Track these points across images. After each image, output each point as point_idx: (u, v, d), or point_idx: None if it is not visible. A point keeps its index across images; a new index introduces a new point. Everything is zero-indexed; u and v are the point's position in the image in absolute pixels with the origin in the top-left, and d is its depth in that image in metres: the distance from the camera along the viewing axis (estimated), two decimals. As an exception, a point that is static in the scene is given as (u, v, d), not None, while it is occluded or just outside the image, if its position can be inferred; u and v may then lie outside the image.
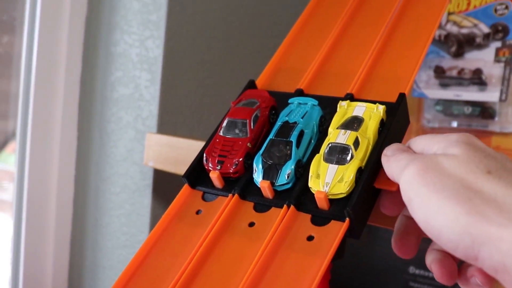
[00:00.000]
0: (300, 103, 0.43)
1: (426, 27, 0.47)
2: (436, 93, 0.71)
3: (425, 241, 0.37)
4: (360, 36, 0.49)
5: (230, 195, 0.40)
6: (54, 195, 0.81)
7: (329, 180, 0.37)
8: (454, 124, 0.71)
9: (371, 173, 0.37)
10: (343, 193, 0.37)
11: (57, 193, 0.81)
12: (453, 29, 0.71)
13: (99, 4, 0.80)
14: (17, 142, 0.80)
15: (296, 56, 0.50)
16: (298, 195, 0.38)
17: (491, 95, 0.67)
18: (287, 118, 0.42)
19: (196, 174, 0.42)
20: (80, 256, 0.84)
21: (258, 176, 0.39)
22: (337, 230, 0.36)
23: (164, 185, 0.75)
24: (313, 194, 0.37)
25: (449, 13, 0.72)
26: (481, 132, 0.69)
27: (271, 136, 0.41)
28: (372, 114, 0.40)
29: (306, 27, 0.52)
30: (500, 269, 0.27)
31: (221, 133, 0.43)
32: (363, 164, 0.38)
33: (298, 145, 0.40)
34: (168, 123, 0.74)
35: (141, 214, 0.76)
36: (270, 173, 0.39)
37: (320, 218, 0.37)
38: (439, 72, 0.71)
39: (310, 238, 0.36)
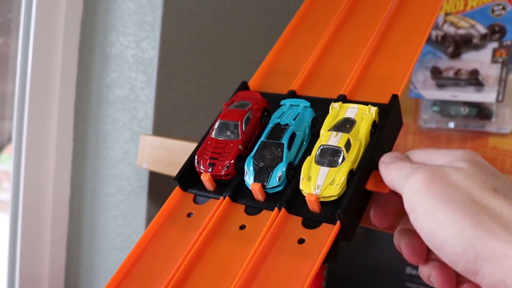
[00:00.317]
0: (292, 105, 0.43)
1: (420, 28, 0.47)
2: (433, 93, 0.71)
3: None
4: (354, 37, 0.49)
5: (221, 197, 0.40)
6: (50, 197, 0.81)
7: (320, 182, 0.37)
8: (451, 124, 0.71)
9: (362, 176, 0.37)
10: (335, 196, 0.36)
11: (53, 194, 0.81)
12: (450, 29, 0.71)
13: (94, 5, 0.80)
14: (13, 143, 0.79)
15: (289, 58, 0.50)
16: (289, 197, 0.38)
17: (488, 96, 0.67)
18: (278, 120, 0.41)
19: (188, 177, 0.42)
20: (76, 257, 0.84)
21: (249, 179, 0.39)
22: (328, 233, 0.35)
23: (159, 187, 0.75)
24: (305, 196, 0.37)
25: (446, 14, 0.72)
26: (478, 133, 0.69)
27: (262, 138, 0.41)
28: (364, 115, 0.40)
29: (299, 28, 0.52)
30: (499, 286, 0.27)
31: (212, 135, 0.43)
32: (355, 166, 0.37)
33: (289, 147, 0.40)
34: (164, 125, 0.74)
35: (137, 216, 0.75)
36: (261, 175, 0.39)
37: (311, 221, 0.37)
38: (436, 72, 0.70)
39: (301, 241, 0.36)
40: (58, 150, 0.81)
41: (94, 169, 0.80)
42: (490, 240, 0.28)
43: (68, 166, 0.82)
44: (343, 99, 0.43)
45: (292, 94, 0.45)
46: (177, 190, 0.42)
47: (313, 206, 0.37)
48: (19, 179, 0.79)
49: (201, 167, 0.41)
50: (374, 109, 0.40)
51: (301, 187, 0.37)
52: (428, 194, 0.31)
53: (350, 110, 0.41)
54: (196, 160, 0.42)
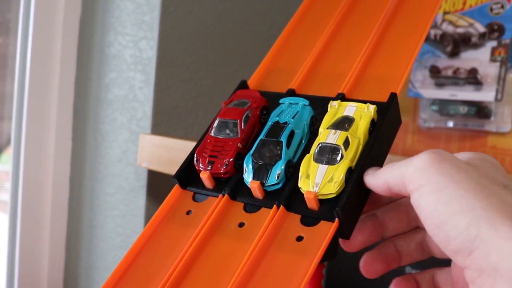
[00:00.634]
0: (291, 103, 0.43)
1: (419, 27, 0.47)
2: (432, 92, 0.71)
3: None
4: (353, 36, 0.49)
5: (220, 195, 0.40)
6: (49, 196, 0.81)
7: (319, 180, 0.37)
8: (450, 124, 0.71)
9: (361, 173, 0.37)
10: (333, 193, 0.36)
11: (52, 194, 0.81)
12: (449, 28, 0.71)
13: (93, 5, 0.80)
14: (12, 143, 0.79)
15: (288, 57, 0.50)
16: (288, 195, 0.38)
17: (486, 95, 0.67)
18: (277, 118, 0.41)
19: (187, 175, 0.42)
20: (75, 257, 0.84)
21: (248, 177, 0.39)
22: (326, 230, 0.35)
23: (158, 186, 0.75)
24: (303, 194, 0.37)
25: (445, 13, 0.72)
26: (477, 131, 0.69)
27: (261, 136, 0.41)
28: (362, 114, 0.40)
29: (298, 27, 0.52)
30: (486, 272, 0.27)
31: (212, 134, 0.43)
32: (353, 164, 0.37)
33: (288, 145, 0.40)
34: (162, 124, 0.74)
35: (136, 215, 0.75)
36: (260, 173, 0.39)
37: (309, 219, 0.37)
38: (435, 71, 0.70)
39: (299, 238, 0.36)
40: (57, 150, 0.81)
41: (93, 168, 0.80)
42: (495, 222, 0.28)
43: (67, 166, 0.82)
44: (342, 97, 0.43)
45: (291, 93, 0.45)
46: (176, 188, 0.42)
47: (312, 204, 0.37)
48: (18, 179, 0.79)
49: (200, 165, 0.41)
50: (372, 107, 0.40)
51: (299, 184, 0.38)
52: (438, 173, 0.31)
53: (349, 108, 0.41)
54: (195, 158, 0.42)
